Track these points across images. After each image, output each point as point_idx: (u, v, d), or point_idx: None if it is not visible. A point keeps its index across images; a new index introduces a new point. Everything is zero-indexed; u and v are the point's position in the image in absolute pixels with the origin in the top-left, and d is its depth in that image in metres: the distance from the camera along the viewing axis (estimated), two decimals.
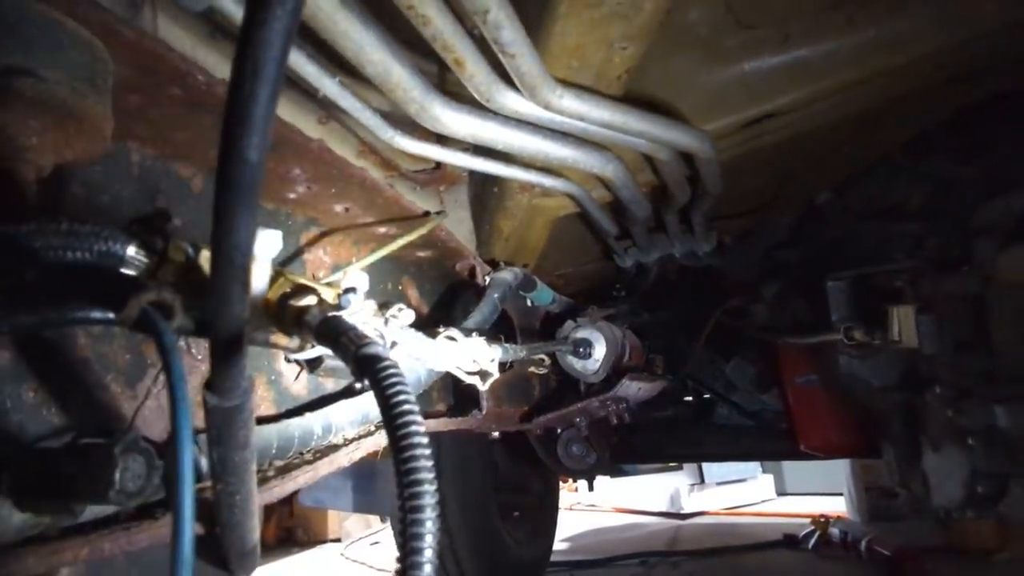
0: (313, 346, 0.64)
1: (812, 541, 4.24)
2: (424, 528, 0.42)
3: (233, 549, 0.80)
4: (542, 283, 1.86)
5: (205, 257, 0.55)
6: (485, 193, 1.58)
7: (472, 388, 1.26)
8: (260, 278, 0.57)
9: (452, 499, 2.78)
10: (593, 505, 6.63)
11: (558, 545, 4.44)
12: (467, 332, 1.04)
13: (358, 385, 0.66)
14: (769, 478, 6.49)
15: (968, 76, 1.35)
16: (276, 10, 0.39)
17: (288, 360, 0.85)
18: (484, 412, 1.52)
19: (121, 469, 0.57)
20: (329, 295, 0.65)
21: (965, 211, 1.52)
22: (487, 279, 1.61)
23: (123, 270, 0.50)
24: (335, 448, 1.06)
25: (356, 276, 0.69)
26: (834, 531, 4.21)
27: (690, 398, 3.61)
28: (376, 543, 5.90)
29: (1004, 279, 1.31)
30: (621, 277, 2.49)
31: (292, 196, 1.14)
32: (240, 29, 0.40)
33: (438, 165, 1.59)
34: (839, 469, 4.97)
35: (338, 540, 6.17)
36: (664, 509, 5.89)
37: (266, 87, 0.42)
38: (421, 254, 1.55)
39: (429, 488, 0.43)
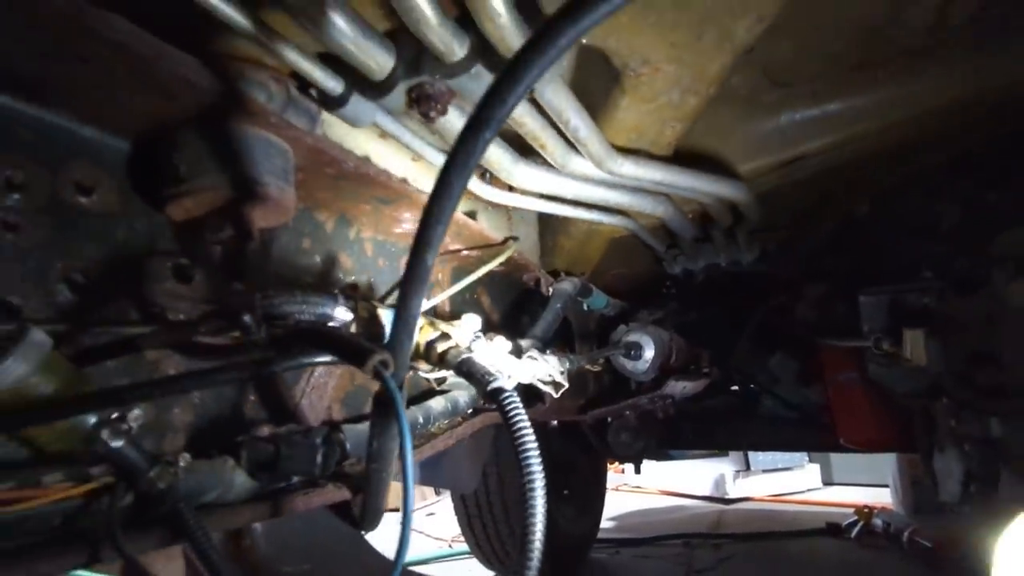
0: (440, 370, 0.90)
1: (855, 531, 4.34)
2: (536, 508, 0.67)
3: (370, 511, 1.07)
4: (597, 290, 2.09)
5: (380, 312, 0.81)
6: (550, 215, 1.81)
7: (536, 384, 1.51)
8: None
9: (510, 479, 3.04)
10: (639, 487, 6.84)
11: (605, 523, 4.68)
12: (542, 347, 1.29)
13: (482, 401, 0.88)
14: (816, 467, 6.53)
15: (992, 115, 1.49)
16: (453, 183, 0.64)
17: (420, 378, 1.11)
18: (547, 405, 1.77)
19: (322, 453, 0.84)
20: (456, 334, 0.90)
21: (990, 235, 1.66)
22: (550, 289, 1.85)
23: (330, 324, 0.77)
24: (434, 435, 1.33)
25: (471, 320, 0.95)
26: (877, 522, 4.30)
27: (736, 388, 3.74)
28: (431, 514, 6.25)
29: (1015, 305, 1.46)
30: (671, 275, 2.66)
31: (398, 231, 1.40)
32: (432, 192, 0.65)
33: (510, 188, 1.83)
34: (887, 461, 5.00)
35: (396, 510, 6.56)
36: (709, 494, 6.04)
37: (441, 224, 0.67)
38: (494, 268, 1.80)
39: (539, 476, 0.69)
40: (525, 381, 1.24)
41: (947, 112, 1.35)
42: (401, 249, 1.53)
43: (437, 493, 6.69)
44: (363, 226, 1.36)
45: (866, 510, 4.47)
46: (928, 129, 1.41)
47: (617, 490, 6.85)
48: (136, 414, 0.70)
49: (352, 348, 0.68)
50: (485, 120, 0.59)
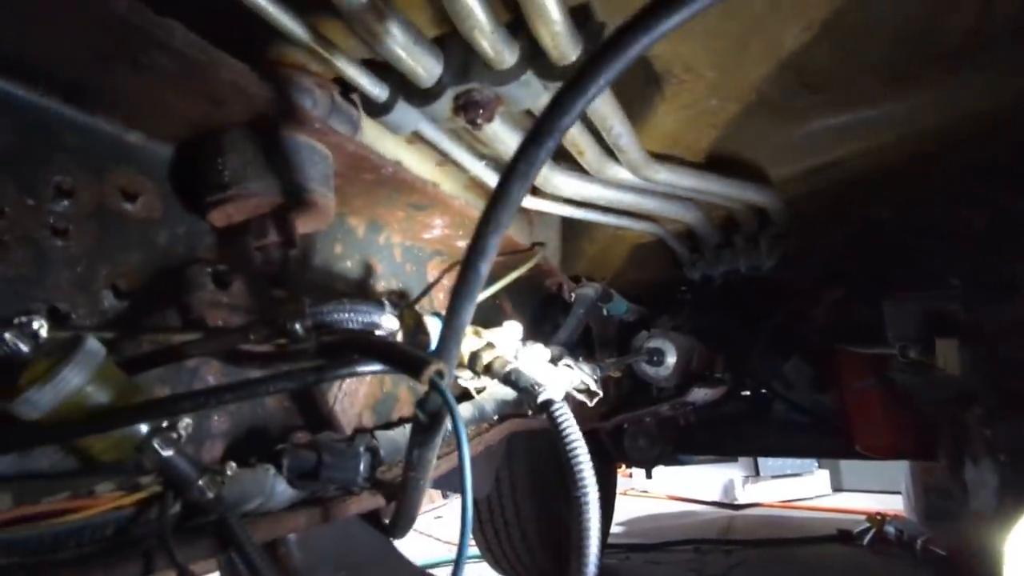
0: (482, 379, 0.90)
1: (867, 538, 4.30)
2: (590, 521, 0.66)
3: (403, 517, 1.06)
4: (618, 295, 2.08)
5: (426, 321, 0.81)
6: (573, 220, 1.80)
7: None
8: None
9: (522, 483, 3.03)
10: (646, 491, 6.81)
11: (614, 528, 4.66)
12: (574, 355, 1.28)
13: (530, 412, 0.87)
14: (825, 473, 6.50)
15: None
16: (513, 192, 0.63)
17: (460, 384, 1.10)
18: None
19: (363, 462, 0.83)
20: (500, 343, 0.89)
21: (1019, 241, 1.64)
22: (572, 295, 1.84)
23: (378, 331, 0.76)
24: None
25: (513, 328, 0.94)
26: (889, 529, 4.26)
27: (747, 393, 3.71)
28: (439, 517, 6.24)
29: None
30: (688, 280, 2.64)
31: (428, 236, 1.40)
32: (489, 200, 0.64)
33: (534, 191, 1.82)
34: (897, 467, 4.96)
35: None
36: (718, 499, 6.02)
37: (497, 233, 0.66)
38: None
39: (592, 488, 0.68)
40: (561, 390, 1.24)
41: (984, 117, 1.34)
42: (428, 254, 1.52)
43: (445, 496, 6.67)
44: (393, 232, 1.35)
45: (878, 517, 4.44)
46: (963, 134, 1.39)
47: (625, 494, 6.82)
48: (186, 423, 0.69)
49: (406, 358, 0.67)
50: (548, 130, 0.58)
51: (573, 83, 0.56)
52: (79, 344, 0.62)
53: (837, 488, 6.59)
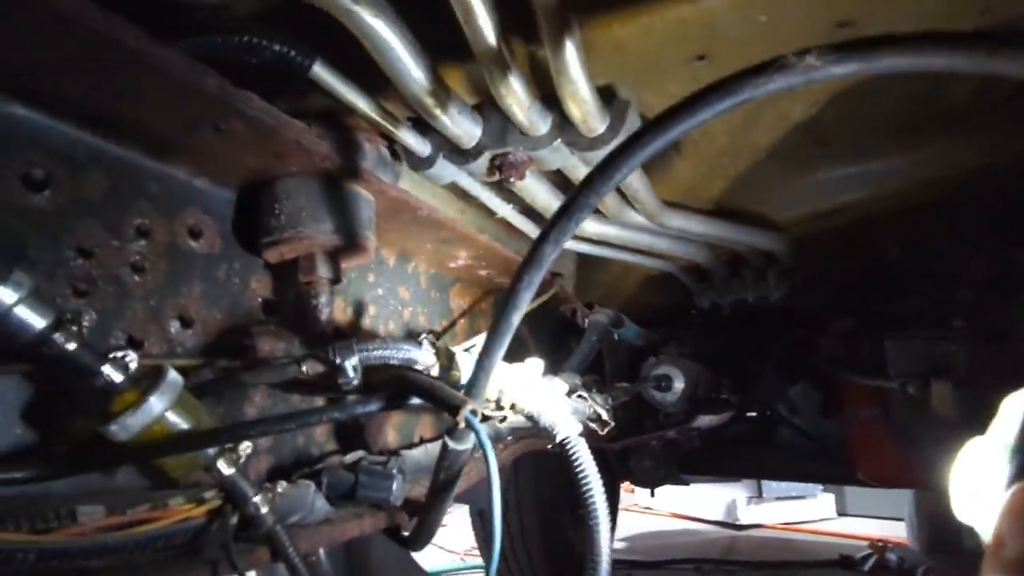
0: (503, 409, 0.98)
1: (868, 564, 4.33)
2: (601, 552, 0.74)
3: (425, 532, 1.14)
4: (629, 321, 2.16)
5: (458, 357, 0.90)
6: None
7: None
8: None
9: (529, 504, 3.08)
10: (649, 508, 6.83)
11: (616, 544, 4.71)
12: (587, 383, 1.36)
13: (549, 447, 0.94)
14: (830, 497, 6.50)
15: None
16: (545, 255, 0.72)
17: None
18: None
19: (396, 483, 0.92)
20: (520, 377, 0.98)
21: (1018, 288, 1.70)
22: (586, 321, 1.92)
23: (413, 367, 0.85)
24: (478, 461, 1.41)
25: (535, 364, 1.03)
26: (891, 556, 4.29)
27: (753, 414, 3.75)
28: (444, 526, 6.26)
29: None
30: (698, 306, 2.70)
31: (452, 265, 1.49)
32: (523, 261, 0.73)
33: None
34: (902, 494, 4.97)
35: None
36: (720, 518, 6.03)
37: (529, 290, 0.75)
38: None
39: (604, 522, 0.76)
40: (578, 424, 1.32)
41: (986, 171, 1.41)
42: (451, 281, 1.61)
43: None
44: (420, 261, 1.45)
45: (880, 544, 4.46)
46: (966, 186, 1.46)
47: (628, 510, 6.83)
48: (246, 446, 0.78)
49: (444, 396, 0.76)
50: (578, 206, 0.67)
51: (600, 169, 0.65)
52: (162, 375, 0.71)
53: (842, 512, 6.58)
